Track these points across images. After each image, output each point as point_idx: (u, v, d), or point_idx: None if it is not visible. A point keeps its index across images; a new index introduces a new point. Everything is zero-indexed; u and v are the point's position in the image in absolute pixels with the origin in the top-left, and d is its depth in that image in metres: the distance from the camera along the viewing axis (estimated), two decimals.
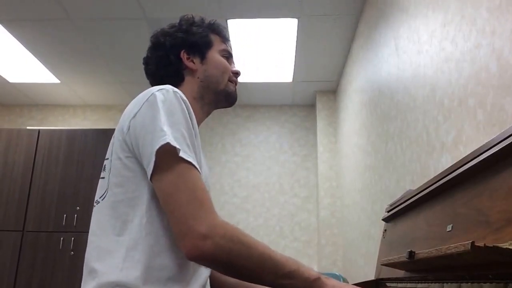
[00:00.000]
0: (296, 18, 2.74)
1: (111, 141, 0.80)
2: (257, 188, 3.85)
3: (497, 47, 1.00)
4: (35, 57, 3.24)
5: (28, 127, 3.87)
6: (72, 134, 3.05)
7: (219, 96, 0.95)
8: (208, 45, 0.94)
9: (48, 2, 2.58)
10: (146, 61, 0.96)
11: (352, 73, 3.02)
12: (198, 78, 0.92)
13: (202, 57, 0.93)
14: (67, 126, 4.00)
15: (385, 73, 2.08)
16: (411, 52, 1.66)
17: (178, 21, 0.96)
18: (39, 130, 3.08)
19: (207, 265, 0.73)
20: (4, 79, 3.63)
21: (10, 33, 2.92)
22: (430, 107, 1.43)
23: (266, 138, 4.01)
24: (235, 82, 0.98)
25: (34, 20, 2.77)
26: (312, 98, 3.93)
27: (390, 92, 1.98)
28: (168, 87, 0.77)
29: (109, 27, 2.84)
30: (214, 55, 0.95)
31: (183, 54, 0.92)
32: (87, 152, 2.97)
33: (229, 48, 0.99)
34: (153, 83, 0.92)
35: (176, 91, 0.76)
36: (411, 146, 1.63)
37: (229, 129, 4.04)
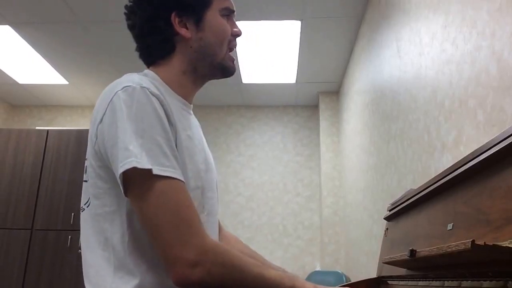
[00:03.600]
0: (299, 20, 2.76)
1: (88, 142, 0.70)
2: (261, 187, 3.88)
3: (497, 49, 1.00)
4: (44, 58, 3.27)
5: (37, 128, 3.90)
6: (80, 134, 3.08)
7: (215, 69, 0.79)
8: (206, 4, 0.76)
9: (57, 5, 2.61)
10: (129, 13, 0.78)
11: (355, 74, 3.04)
12: (191, 47, 0.76)
13: (198, 20, 0.76)
14: (75, 127, 4.03)
15: (387, 75, 2.10)
16: (413, 53, 1.67)
17: None
18: (48, 131, 3.11)
19: None
20: (14, 81, 3.67)
21: (20, 35, 2.95)
22: (431, 108, 1.45)
23: (270, 138, 4.03)
24: (234, 46, 0.81)
25: (43, 22, 2.81)
26: (315, 99, 3.95)
27: (392, 93, 2.00)
28: (135, 80, 0.66)
29: (117, 29, 2.87)
30: (213, 17, 0.77)
31: (174, 18, 0.74)
32: None
33: (231, 4, 0.81)
34: (139, 49, 0.78)
35: (144, 87, 0.65)
36: (413, 146, 1.65)
37: (234, 129, 4.07)
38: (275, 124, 4.08)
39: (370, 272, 2.23)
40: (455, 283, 0.63)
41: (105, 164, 0.65)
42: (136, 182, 0.61)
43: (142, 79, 0.68)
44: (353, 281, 1.08)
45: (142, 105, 0.63)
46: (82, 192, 0.71)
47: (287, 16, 2.73)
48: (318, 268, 3.50)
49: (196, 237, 0.60)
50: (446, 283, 0.66)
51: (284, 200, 3.84)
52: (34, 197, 2.95)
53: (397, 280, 0.89)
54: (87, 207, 0.69)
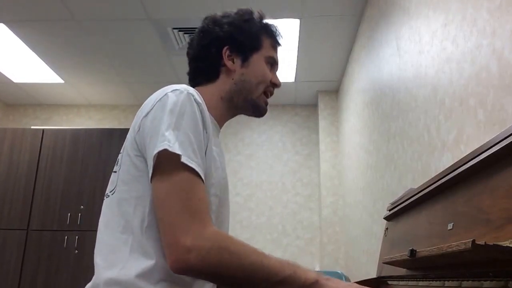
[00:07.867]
0: (298, 18, 2.75)
1: (127, 136, 0.78)
2: (260, 186, 3.87)
3: (498, 48, 1.00)
4: (39, 57, 3.26)
5: (32, 127, 3.88)
6: (76, 134, 3.07)
7: (248, 104, 0.89)
8: (255, 48, 0.88)
9: (52, 3, 2.60)
10: (190, 43, 0.90)
11: (354, 73, 3.03)
12: (232, 79, 0.87)
13: (245, 59, 0.87)
14: (71, 126, 4.02)
15: (386, 73, 2.10)
16: (413, 52, 1.67)
17: (235, 10, 0.90)
18: (43, 130, 3.10)
19: (194, 277, 0.70)
20: (9, 79, 3.66)
21: (15, 33, 2.94)
22: (431, 107, 1.45)
23: (269, 137, 4.03)
24: (271, 93, 0.92)
25: (38, 20, 2.79)
26: (314, 97, 3.94)
27: (391, 92, 1.99)
28: (183, 87, 0.74)
29: (112, 28, 2.86)
30: (258, 60, 0.88)
31: (225, 51, 0.86)
32: (91, 151, 3.00)
33: (277, 56, 0.93)
34: (190, 71, 0.90)
35: (190, 93, 0.73)
36: (413, 145, 1.64)
37: (232, 128, 4.06)
38: (274, 123, 4.07)
39: (370, 272, 2.23)
40: (455, 283, 0.63)
41: (141, 154, 0.72)
42: (163, 165, 0.66)
43: (190, 88, 0.75)
44: (352, 281, 1.07)
45: (184, 106, 0.70)
46: (110, 181, 0.78)
47: (286, 15, 2.72)
48: (317, 268, 3.50)
49: (197, 225, 0.63)
50: (447, 283, 0.66)
51: (283, 199, 3.83)
52: (30, 197, 2.94)
53: (397, 280, 0.90)
54: (112, 194, 0.75)
